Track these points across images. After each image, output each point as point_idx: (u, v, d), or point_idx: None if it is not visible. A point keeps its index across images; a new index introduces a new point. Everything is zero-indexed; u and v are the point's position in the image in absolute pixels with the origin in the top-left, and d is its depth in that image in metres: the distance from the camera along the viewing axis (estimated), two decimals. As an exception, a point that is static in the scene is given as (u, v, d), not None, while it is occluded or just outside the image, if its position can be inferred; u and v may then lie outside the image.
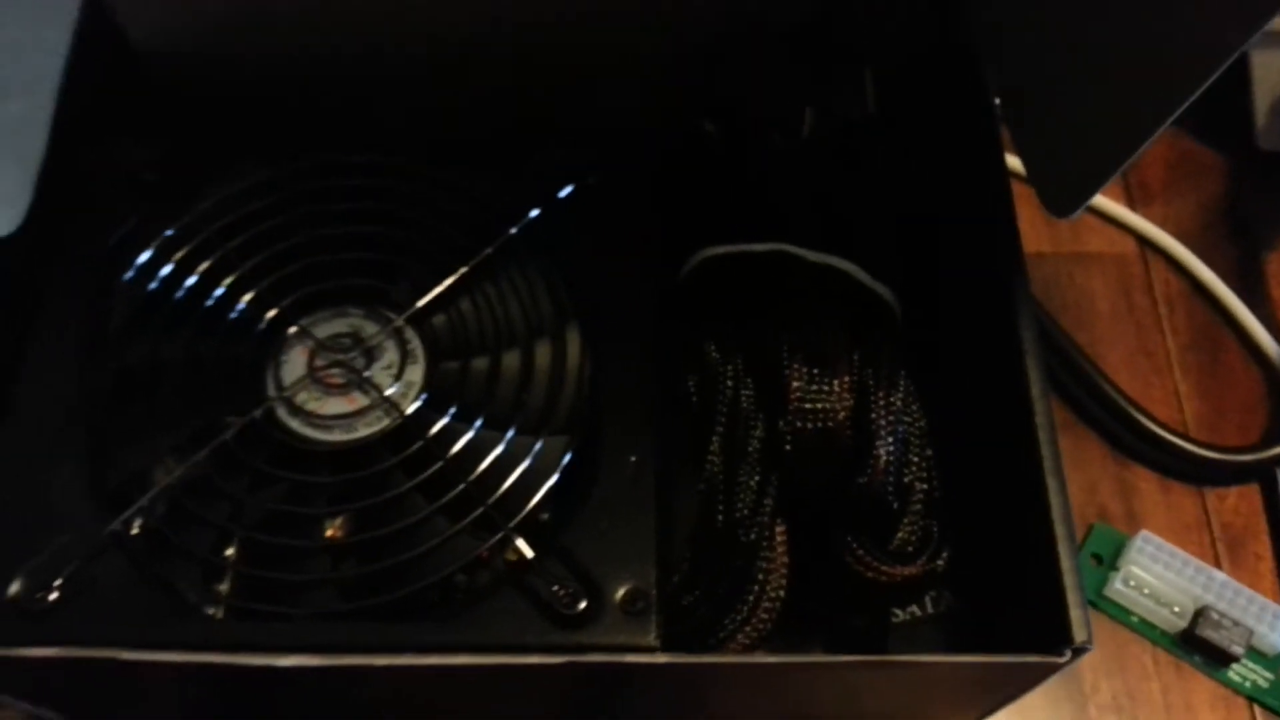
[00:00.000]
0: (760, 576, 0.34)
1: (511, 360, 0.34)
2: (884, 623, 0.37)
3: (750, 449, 0.35)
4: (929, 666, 0.30)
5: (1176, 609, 0.43)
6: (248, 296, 0.34)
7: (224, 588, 0.31)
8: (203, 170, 0.36)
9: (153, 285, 0.34)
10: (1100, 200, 0.52)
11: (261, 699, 0.35)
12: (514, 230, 0.35)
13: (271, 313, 0.34)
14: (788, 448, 0.35)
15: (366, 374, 0.33)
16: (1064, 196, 0.32)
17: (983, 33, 0.37)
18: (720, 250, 0.38)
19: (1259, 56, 0.50)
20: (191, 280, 0.34)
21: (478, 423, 0.33)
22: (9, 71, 0.33)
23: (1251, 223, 0.53)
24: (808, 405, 0.35)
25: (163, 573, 0.31)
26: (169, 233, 0.35)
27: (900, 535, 0.35)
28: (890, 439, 0.35)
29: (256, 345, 0.34)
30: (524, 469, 0.32)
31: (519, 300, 0.35)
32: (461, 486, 0.31)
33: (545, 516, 0.32)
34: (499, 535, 0.31)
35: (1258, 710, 0.43)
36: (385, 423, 0.33)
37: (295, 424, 0.33)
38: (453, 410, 0.33)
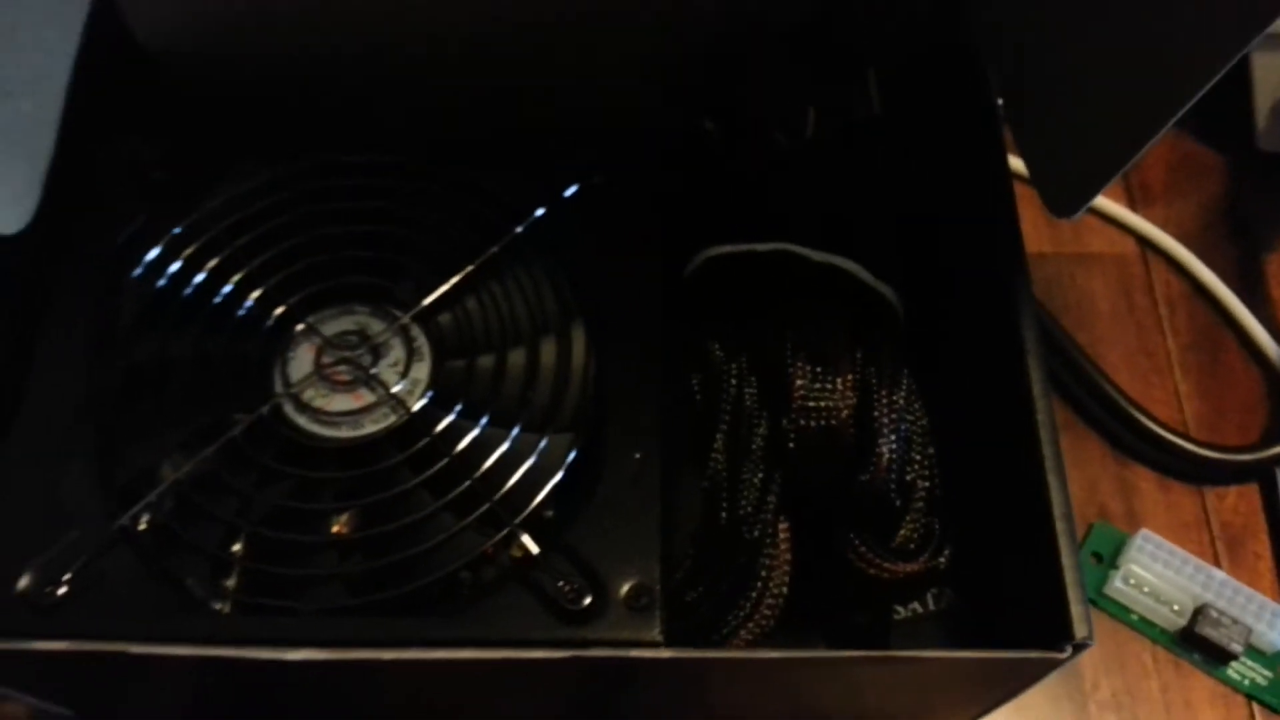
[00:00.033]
0: (763, 574, 0.35)
1: (517, 358, 0.34)
2: (886, 620, 0.37)
3: (754, 447, 0.35)
4: (930, 662, 0.30)
5: (1176, 607, 0.43)
6: (255, 294, 0.34)
7: (231, 583, 0.31)
8: (210, 168, 0.36)
9: (161, 282, 0.34)
10: (1101, 201, 0.52)
11: (267, 694, 0.35)
12: (519, 229, 0.36)
13: (279, 310, 0.34)
14: (791, 445, 0.35)
15: (373, 371, 0.34)
16: (1066, 197, 0.32)
17: (985, 33, 0.37)
18: (724, 250, 0.38)
19: (1260, 59, 0.50)
20: (200, 277, 0.35)
21: (483, 420, 0.33)
22: (18, 71, 0.33)
23: (1252, 224, 0.53)
24: (811, 403, 0.35)
25: (171, 568, 0.31)
26: (177, 230, 0.35)
27: (902, 533, 0.36)
28: (893, 437, 0.35)
29: (264, 342, 0.34)
30: (529, 466, 0.32)
31: (524, 299, 0.35)
32: (467, 483, 0.32)
33: (550, 513, 0.32)
34: (504, 531, 0.31)
35: (1256, 707, 0.43)
36: (392, 419, 0.33)
37: (302, 420, 0.33)
38: (458, 407, 0.33)
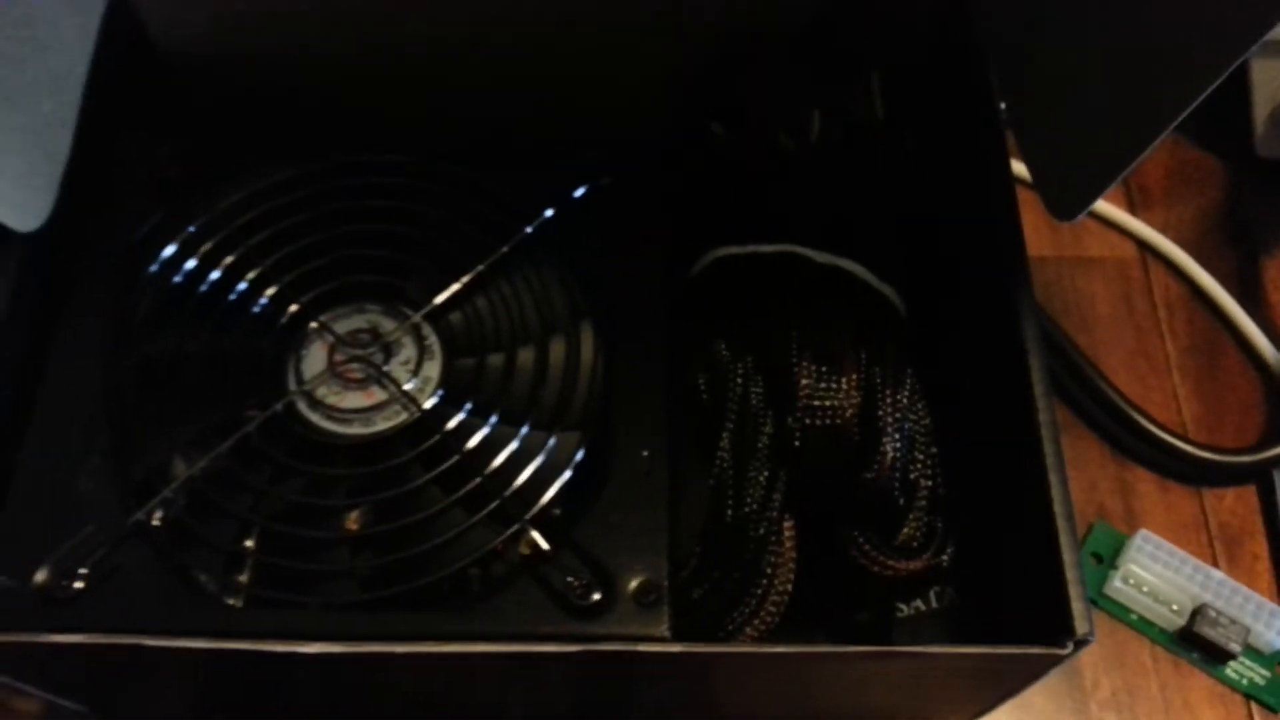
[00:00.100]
0: (768, 571, 0.35)
1: (526, 357, 0.34)
2: (888, 617, 0.37)
3: (759, 445, 0.36)
4: (933, 657, 0.30)
5: (1175, 607, 0.44)
6: (269, 292, 0.35)
7: (244, 578, 0.31)
8: (225, 167, 0.36)
9: (176, 280, 0.35)
10: (1102, 205, 0.52)
11: (279, 688, 0.35)
12: (529, 229, 0.36)
13: (293, 308, 0.35)
14: (796, 444, 0.36)
15: (385, 369, 0.34)
16: (1067, 200, 0.33)
17: (988, 37, 0.38)
18: (730, 251, 0.38)
19: (1258, 65, 0.51)
20: (214, 275, 0.35)
21: (493, 418, 0.33)
22: (36, 71, 0.33)
23: (1250, 228, 0.53)
24: (816, 402, 0.35)
25: (185, 562, 0.31)
26: (192, 229, 0.35)
27: (905, 531, 0.36)
28: (897, 436, 0.35)
29: (277, 340, 0.35)
30: (539, 463, 0.32)
31: (534, 298, 0.35)
32: (478, 480, 0.32)
33: (558, 511, 0.33)
34: (514, 528, 0.31)
35: (1254, 707, 0.43)
36: (403, 417, 0.33)
37: (315, 417, 0.33)
38: (469, 405, 0.33)
